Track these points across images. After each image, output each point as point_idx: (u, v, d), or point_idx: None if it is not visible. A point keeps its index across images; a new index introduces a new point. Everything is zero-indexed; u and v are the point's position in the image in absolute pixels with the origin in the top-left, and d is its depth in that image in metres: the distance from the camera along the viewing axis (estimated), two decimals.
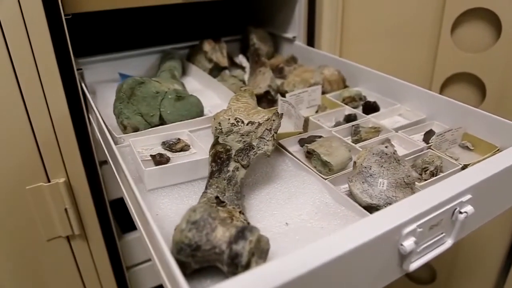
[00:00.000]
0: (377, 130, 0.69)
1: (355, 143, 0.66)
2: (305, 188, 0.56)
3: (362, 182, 0.51)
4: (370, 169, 0.51)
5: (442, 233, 0.46)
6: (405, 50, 0.93)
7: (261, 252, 0.41)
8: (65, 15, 0.74)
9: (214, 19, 1.26)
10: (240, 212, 0.46)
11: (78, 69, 0.80)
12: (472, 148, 0.66)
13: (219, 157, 0.52)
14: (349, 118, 0.74)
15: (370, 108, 0.78)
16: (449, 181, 0.45)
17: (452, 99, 0.68)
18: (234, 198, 0.47)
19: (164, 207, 0.53)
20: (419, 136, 0.69)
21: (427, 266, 1.19)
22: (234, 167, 0.50)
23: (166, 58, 0.97)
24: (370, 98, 0.83)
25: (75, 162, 0.79)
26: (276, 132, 0.56)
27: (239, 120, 0.60)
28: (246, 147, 0.52)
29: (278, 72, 0.98)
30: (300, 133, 0.68)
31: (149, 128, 0.70)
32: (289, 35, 1.05)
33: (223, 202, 0.46)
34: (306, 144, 0.64)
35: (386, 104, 0.80)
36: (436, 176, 0.57)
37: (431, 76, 0.89)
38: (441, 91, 0.91)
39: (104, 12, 1.01)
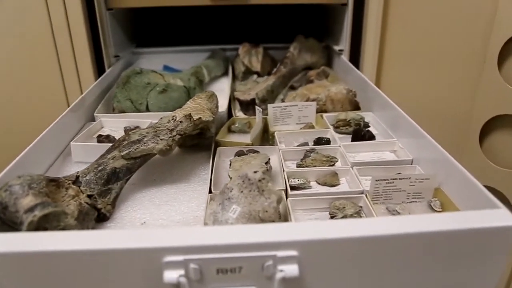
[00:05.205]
0: (329, 161, 0.58)
1: (297, 168, 0.58)
2: (192, 196, 0.53)
3: (219, 204, 0.45)
4: (231, 191, 0.44)
5: (252, 286, 0.37)
6: (446, 79, 0.73)
7: (62, 230, 0.42)
8: (108, 9, 0.88)
9: (289, 24, 1.24)
10: (90, 195, 0.48)
11: (115, 56, 0.93)
12: (438, 209, 0.49)
13: (114, 144, 0.54)
14: (319, 142, 0.64)
15: (359, 136, 0.66)
16: (267, 227, 0.36)
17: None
18: (93, 182, 0.49)
19: None
20: None
21: None
22: (112, 155, 0.51)
23: (208, 57, 1.02)
24: (374, 127, 0.70)
25: None
26: (181, 135, 0.55)
27: (175, 118, 0.61)
28: (136, 140, 0.53)
29: (308, 84, 0.91)
30: (248, 145, 0.63)
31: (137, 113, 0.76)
32: (337, 47, 0.96)
33: (80, 182, 0.49)
34: (236, 156, 0.60)
35: (386, 137, 0.66)
36: None
37: (471, 115, 0.68)
38: (482, 135, 0.68)
39: (173, 10, 1.13)
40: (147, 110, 0.76)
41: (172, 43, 1.10)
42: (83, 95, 0.72)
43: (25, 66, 0.85)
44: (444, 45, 0.74)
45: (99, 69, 0.88)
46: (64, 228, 0.42)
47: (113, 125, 0.72)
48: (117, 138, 0.66)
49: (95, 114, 0.73)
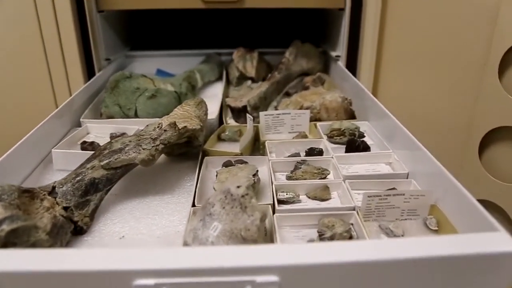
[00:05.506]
0: (321, 173, 0.56)
1: (287, 180, 0.55)
2: (175, 209, 0.50)
3: (200, 220, 0.42)
4: (213, 207, 0.42)
5: None
6: (445, 88, 0.70)
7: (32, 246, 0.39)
8: (98, 11, 0.86)
9: (286, 29, 1.22)
10: (67, 207, 0.45)
11: (106, 59, 0.90)
12: (434, 228, 0.46)
13: (95, 153, 0.51)
14: (311, 152, 0.62)
15: (353, 147, 0.63)
16: (246, 249, 0.33)
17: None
18: (69, 193, 0.46)
19: None
20: None
21: None
22: (91, 165, 0.49)
23: (203, 61, 1.00)
24: (370, 137, 0.68)
25: None
26: (165, 144, 0.52)
27: (160, 126, 0.58)
28: (117, 149, 0.50)
29: (304, 90, 0.89)
30: (237, 155, 0.61)
31: (125, 118, 0.74)
32: (334, 53, 0.93)
33: (56, 193, 0.46)
34: (223, 167, 0.57)
35: (382, 148, 0.63)
36: None
37: (470, 126, 0.65)
38: (481, 147, 0.65)
39: (168, 13, 1.10)
40: (136, 116, 0.74)
41: (166, 46, 1.08)
42: (69, 99, 0.69)
43: (13, 69, 0.83)
44: (443, 53, 0.72)
45: (90, 73, 0.86)
46: (34, 243, 0.40)
47: (99, 131, 0.69)
48: (102, 145, 0.64)
49: (81, 120, 0.70)
